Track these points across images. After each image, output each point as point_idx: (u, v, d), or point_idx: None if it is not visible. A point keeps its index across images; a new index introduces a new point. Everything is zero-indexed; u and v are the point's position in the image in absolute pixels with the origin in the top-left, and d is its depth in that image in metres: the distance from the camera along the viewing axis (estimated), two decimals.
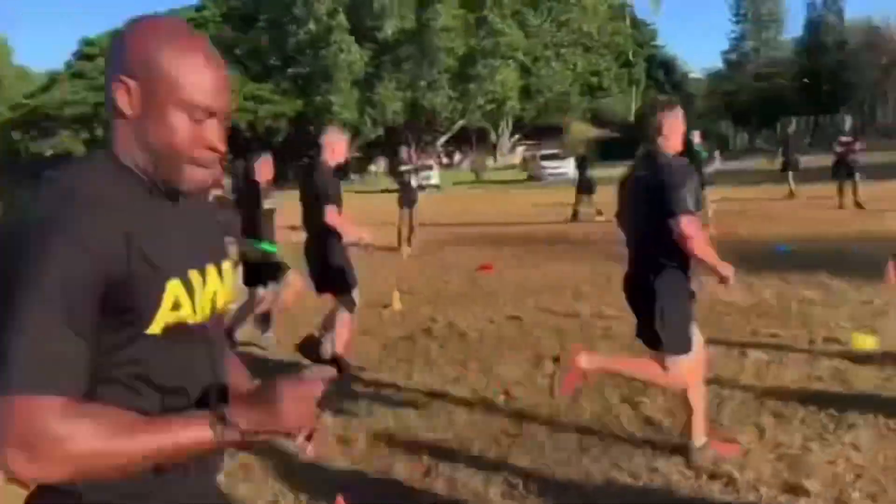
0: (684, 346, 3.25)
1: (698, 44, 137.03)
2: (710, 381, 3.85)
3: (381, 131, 44.79)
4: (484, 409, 4.26)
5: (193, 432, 1.10)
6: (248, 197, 5.99)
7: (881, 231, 9.80)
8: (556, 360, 3.38)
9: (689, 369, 3.28)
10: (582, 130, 56.82)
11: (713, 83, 71.23)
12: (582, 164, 15.78)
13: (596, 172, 15.74)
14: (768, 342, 5.17)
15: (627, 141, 51.29)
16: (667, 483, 3.18)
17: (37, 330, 1.00)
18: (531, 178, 35.44)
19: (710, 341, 4.04)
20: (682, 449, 3.39)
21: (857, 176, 12.92)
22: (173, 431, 1.08)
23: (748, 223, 11.90)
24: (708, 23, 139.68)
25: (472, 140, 50.71)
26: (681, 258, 3.19)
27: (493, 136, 51.65)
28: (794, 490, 3.03)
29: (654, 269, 3.24)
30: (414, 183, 12.42)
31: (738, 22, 67.74)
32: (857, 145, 13.05)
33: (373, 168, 49.16)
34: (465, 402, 4.40)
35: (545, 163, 35.08)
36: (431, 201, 19.29)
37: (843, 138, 13.17)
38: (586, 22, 41.79)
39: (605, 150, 53.14)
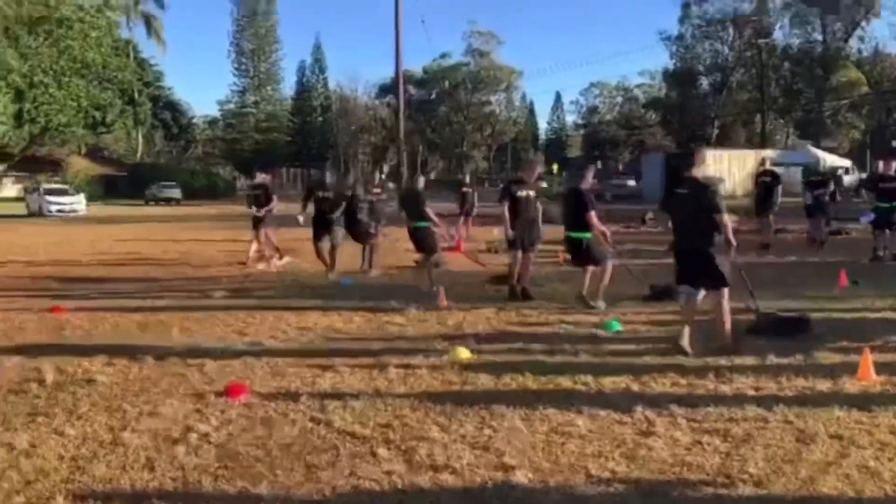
0: None
1: (195, 91, 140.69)
2: None
3: None
4: None
5: None
6: None
7: None
8: None
9: None
10: (84, 166, 53.13)
11: (216, 131, 75.03)
12: None
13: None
14: None
15: (133, 179, 49.66)
16: None
17: None
18: (32, 213, 32.36)
19: None
20: None
21: None
22: None
23: None
24: (207, 71, 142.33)
25: None
26: None
27: None
28: None
29: None
30: None
31: (240, 76, 72.42)
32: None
33: None
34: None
35: (51, 198, 32.66)
36: None
37: None
38: (89, 52, 38.93)
39: (110, 188, 50.60)
